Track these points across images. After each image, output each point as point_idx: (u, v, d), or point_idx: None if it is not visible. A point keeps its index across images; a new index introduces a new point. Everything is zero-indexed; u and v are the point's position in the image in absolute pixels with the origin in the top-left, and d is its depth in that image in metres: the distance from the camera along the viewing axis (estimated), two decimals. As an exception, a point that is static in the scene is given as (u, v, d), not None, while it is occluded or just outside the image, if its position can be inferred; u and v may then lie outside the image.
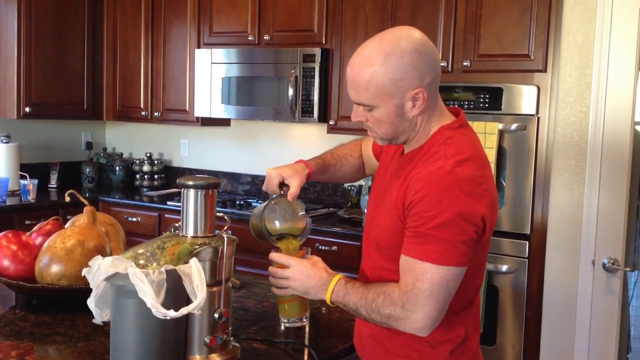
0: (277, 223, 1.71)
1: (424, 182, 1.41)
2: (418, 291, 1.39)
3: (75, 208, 2.08)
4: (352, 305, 1.50)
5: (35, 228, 2.05)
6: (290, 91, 3.86)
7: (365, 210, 3.73)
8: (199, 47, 4.33)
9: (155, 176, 4.83)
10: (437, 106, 1.52)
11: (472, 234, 1.40)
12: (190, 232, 1.52)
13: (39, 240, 2.00)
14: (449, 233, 1.37)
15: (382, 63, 1.43)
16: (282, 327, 1.73)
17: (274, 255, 1.63)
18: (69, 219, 2.07)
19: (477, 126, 2.98)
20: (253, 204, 4.14)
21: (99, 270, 1.40)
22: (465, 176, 1.41)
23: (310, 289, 1.55)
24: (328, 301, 1.53)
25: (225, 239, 1.51)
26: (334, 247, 3.55)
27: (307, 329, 1.84)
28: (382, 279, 1.53)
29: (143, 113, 4.62)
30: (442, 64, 3.26)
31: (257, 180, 4.57)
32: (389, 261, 1.51)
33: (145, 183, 4.80)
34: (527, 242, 3.01)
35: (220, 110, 4.20)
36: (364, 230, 1.70)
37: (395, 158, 1.62)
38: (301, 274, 1.56)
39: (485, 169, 1.48)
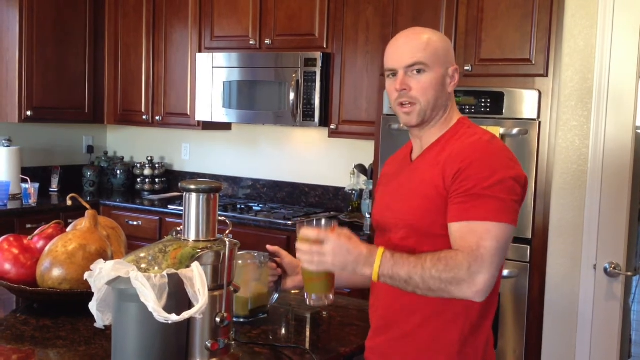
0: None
1: (468, 152, 1.52)
2: (484, 250, 1.43)
3: (77, 212, 2.08)
4: (405, 275, 1.45)
5: (36, 232, 2.05)
6: (292, 95, 3.86)
7: (367, 215, 3.75)
8: (200, 51, 4.34)
9: (157, 180, 4.83)
10: (454, 98, 1.67)
11: (520, 194, 1.51)
12: (192, 236, 1.52)
13: (40, 244, 2.00)
14: (502, 192, 1.46)
15: (433, 34, 1.63)
16: (309, 303, 1.63)
17: (307, 232, 1.52)
18: (70, 223, 2.07)
19: (478, 130, 2.98)
20: (254, 208, 4.14)
21: (100, 274, 1.40)
22: (503, 146, 1.57)
23: (350, 264, 1.48)
24: (375, 275, 1.47)
25: (227, 243, 1.51)
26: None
27: (307, 333, 1.84)
28: None
29: (144, 117, 4.62)
30: (443, 69, 3.27)
31: (258, 184, 4.57)
32: (428, 245, 1.52)
33: (147, 187, 4.80)
34: (529, 247, 3.01)
35: (221, 115, 4.20)
36: (376, 237, 1.73)
37: (406, 164, 1.70)
38: (340, 249, 1.47)
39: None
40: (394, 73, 1.61)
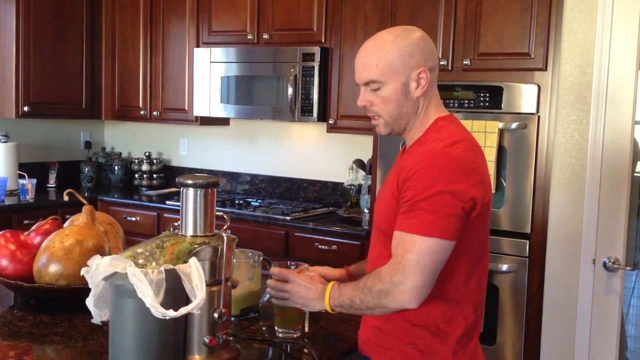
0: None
1: (416, 160, 1.52)
2: (406, 262, 1.47)
3: (74, 207, 2.07)
4: (348, 300, 1.56)
5: (33, 227, 2.04)
6: (290, 90, 3.85)
7: (365, 210, 3.74)
8: (198, 46, 4.32)
9: (154, 175, 4.82)
10: (435, 96, 1.64)
11: (459, 209, 1.48)
12: (190, 232, 1.51)
13: (37, 239, 1.99)
14: (436, 206, 1.46)
15: (392, 42, 1.58)
16: (278, 335, 1.75)
17: (274, 270, 1.72)
18: (68, 219, 2.06)
19: (477, 125, 2.97)
20: (252, 203, 4.13)
21: (97, 270, 1.39)
22: (455, 155, 1.52)
23: (309, 301, 1.63)
24: (328, 308, 1.60)
25: (225, 238, 1.50)
26: (334, 247, 3.55)
27: (306, 328, 1.83)
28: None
29: (142, 112, 4.61)
30: (442, 63, 3.25)
31: (256, 180, 4.56)
32: (389, 247, 1.56)
33: (144, 182, 4.79)
34: (528, 242, 3.00)
35: (219, 110, 4.19)
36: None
37: (398, 159, 1.73)
38: (299, 287, 1.63)
39: (476, 151, 1.59)
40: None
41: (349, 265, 1.89)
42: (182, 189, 1.53)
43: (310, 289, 1.62)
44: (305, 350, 1.66)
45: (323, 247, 3.58)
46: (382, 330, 1.63)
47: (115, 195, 4.52)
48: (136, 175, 4.84)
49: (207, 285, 1.43)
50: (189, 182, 1.52)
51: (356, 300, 1.54)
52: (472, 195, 1.49)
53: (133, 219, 4.27)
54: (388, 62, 1.56)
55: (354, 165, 3.98)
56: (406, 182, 1.51)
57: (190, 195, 1.52)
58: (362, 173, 3.98)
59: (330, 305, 1.59)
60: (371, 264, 1.67)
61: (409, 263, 1.46)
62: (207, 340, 1.48)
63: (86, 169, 4.86)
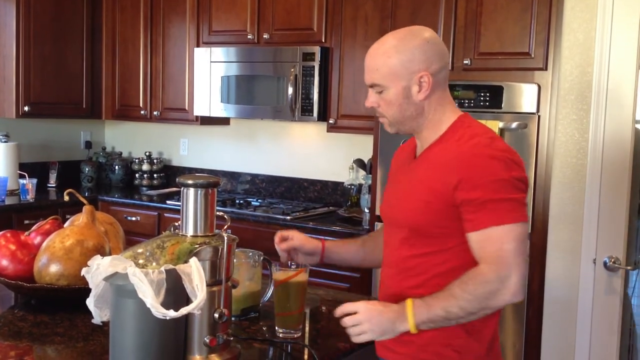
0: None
1: (468, 158, 1.52)
2: (507, 253, 1.46)
3: (75, 207, 2.07)
4: (442, 312, 1.48)
5: (34, 227, 2.04)
6: (290, 90, 3.85)
7: (366, 209, 3.74)
8: (198, 45, 4.32)
9: (155, 175, 4.82)
10: (447, 97, 1.65)
11: (524, 192, 1.53)
12: (190, 232, 1.51)
13: (37, 239, 1.99)
14: (508, 193, 1.49)
15: (394, 46, 1.60)
16: (279, 335, 1.74)
17: (338, 311, 1.60)
18: (68, 219, 2.06)
19: (477, 124, 2.97)
20: (253, 203, 4.13)
21: (98, 270, 1.39)
22: (503, 147, 1.56)
23: (385, 323, 1.50)
24: (413, 328, 1.49)
25: (225, 238, 1.50)
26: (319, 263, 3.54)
27: (307, 328, 1.83)
28: (425, 265, 1.57)
29: (142, 112, 4.61)
30: (442, 62, 3.25)
31: (256, 179, 4.56)
32: (429, 245, 1.58)
33: (145, 182, 4.79)
34: (528, 241, 3.00)
35: (219, 109, 4.19)
36: (384, 236, 1.77)
37: (410, 159, 1.72)
38: (372, 312, 1.51)
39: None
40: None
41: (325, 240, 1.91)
42: (182, 189, 1.53)
43: (384, 310, 1.50)
44: (306, 351, 1.66)
45: (323, 246, 3.57)
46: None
47: (116, 195, 4.52)
48: (136, 175, 4.84)
49: (208, 285, 1.43)
50: (190, 182, 1.52)
51: (453, 310, 1.47)
52: (527, 182, 1.54)
53: (133, 218, 4.27)
54: (388, 67, 1.59)
55: (355, 165, 3.98)
56: (466, 181, 1.50)
57: (190, 195, 1.52)
58: (362, 173, 3.97)
59: (416, 323, 1.49)
60: (390, 262, 1.66)
61: (509, 253, 1.46)
62: (207, 341, 1.48)
63: (86, 169, 4.86)
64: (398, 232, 1.66)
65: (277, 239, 1.87)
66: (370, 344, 1.79)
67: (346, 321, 1.52)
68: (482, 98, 3.07)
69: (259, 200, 4.23)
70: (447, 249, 1.57)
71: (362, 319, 1.50)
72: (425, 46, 1.60)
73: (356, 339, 1.54)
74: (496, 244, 1.48)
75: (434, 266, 1.57)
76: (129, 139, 5.16)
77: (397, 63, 1.58)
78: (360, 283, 3.46)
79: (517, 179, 1.51)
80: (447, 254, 1.57)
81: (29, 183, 4.12)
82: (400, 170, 1.74)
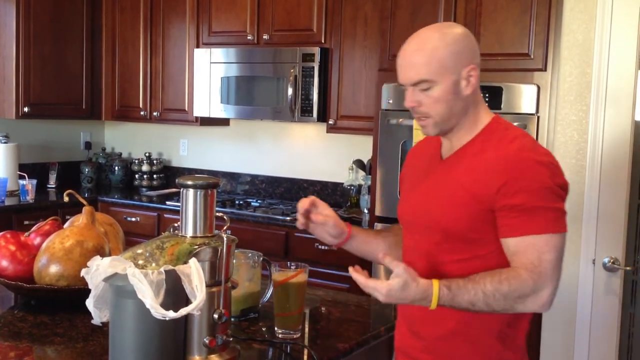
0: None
1: (515, 161, 1.47)
2: (546, 264, 1.43)
3: (74, 208, 2.07)
4: (466, 304, 1.44)
5: (33, 228, 2.04)
6: (290, 91, 3.85)
7: (365, 210, 3.74)
8: (198, 46, 4.32)
9: (155, 176, 4.83)
10: (481, 97, 1.60)
11: (565, 201, 1.49)
12: (190, 232, 1.51)
13: (37, 240, 1.99)
14: (553, 201, 1.45)
15: (440, 39, 1.51)
16: (278, 336, 1.74)
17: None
18: (68, 219, 2.06)
19: (477, 125, 2.98)
20: (252, 203, 4.14)
21: (97, 271, 1.40)
22: (545, 151, 1.53)
23: (404, 301, 1.44)
24: (433, 307, 1.44)
25: (225, 239, 1.50)
26: (334, 247, 3.54)
27: (306, 329, 1.83)
28: (460, 272, 1.50)
29: (142, 113, 4.61)
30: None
31: (256, 180, 4.56)
32: (464, 251, 1.51)
33: (145, 183, 4.79)
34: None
35: (219, 110, 4.19)
36: (407, 241, 1.68)
37: (435, 160, 1.64)
38: (392, 299, 1.44)
39: None
40: (404, 87, 1.56)
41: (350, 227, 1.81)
42: (182, 189, 1.53)
43: (404, 294, 1.42)
44: (306, 351, 1.66)
45: (323, 247, 3.58)
46: (454, 338, 1.56)
47: (116, 196, 4.52)
48: (136, 176, 4.84)
49: (207, 286, 1.43)
50: (189, 183, 1.52)
51: (478, 304, 1.43)
52: (568, 188, 1.50)
53: (133, 219, 4.27)
54: (438, 60, 1.50)
55: (354, 166, 3.98)
56: (511, 185, 1.45)
57: (190, 196, 1.52)
58: (362, 173, 3.98)
59: (438, 305, 1.44)
60: (416, 268, 1.50)
61: (549, 264, 1.44)
62: (207, 341, 1.48)
63: (86, 170, 4.86)
64: (428, 237, 1.58)
65: (306, 202, 1.72)
66: (369, 343, 1.79)
67: (366, 289, 1.45)
68: (481, 99, 3.07)
69: (259, 201, 4.23)
70: (483, 255, 1.51)
71: (380, 298, 1.44)
72: (468, 38, 1.55)
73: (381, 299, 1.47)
74: (536, 252, 1.43)
75: (469, 273, 1.48)
76: (128, 140, 5.16)
77: (447, 55, 1.50)
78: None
79: (560, 186, 1.47)
80: (482, 260, 1.51)
81: (29, 184, 4.12)
82: (424, 172, 1.66)
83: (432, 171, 1.63)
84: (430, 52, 1.50)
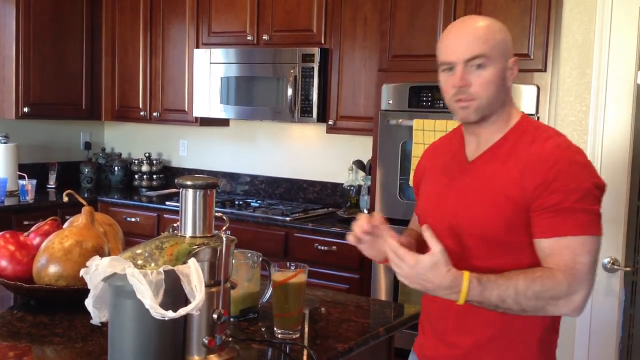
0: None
1: (551, 160, 1.43)
2: (581, 266, 1.39)
3: (74, 208, 2.07)
4: (496, 299, 1.39)
5: (33, 228, 2.04)
6: (289, 91, 3.85)
7: (365, 210, 3.74)
8: (197, 47, 4.32)
9: (154, 176, 4.83)
10: (511, 93, 1.56)
11: (601, 202, 1.45)
12: (189, 233, 1.51)
13: (36, 240, 1.99)
14: (590, 203, 1.41)
15: (493, 23, 1.50)
16: (277, 336, 1.74)
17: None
18: (68, 220, 2.06)
19: (476, 126, 2.98)
20: (252, 204, 4.14)
21: (96, 271, 1.40)
22: (579, 149, 1.48)
23: (428, 286, 1.38)
24: (461, 301, 1.39)
25: (224, 239, 1.50)
26: (333, 247, 3.55)
27: (306, 329, 1.83)
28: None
29: (142, 113, 4.61)
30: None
31: (256, 181, 4.56)
32: (497, 256, 1.46)
33: (144, 183, 4.79)
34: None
35: (219, 111, 4.19)
36: (436, 244, 1.47)
37: (460, 160, 1.59)
38: (413, 277, 1.39)
39: None
40: (450, 67, 1.49)
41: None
42: (181, 190, 1.53)
43: (430, 279, 1.36)
44: (305, 351, 1.66)
45: (323, 247, 3.58)
46: (492, 346, 1.52)
47: (115, 196, 4.52)
48: (136, 176, 4.84)
49: (206, 286, 1.43)
50: (188, 183, 1.52)
51: (508, 301, 1.39)
52: (605, 188, 1.46)
53: (133, 219, 4.27)
54: (497, 40, 1.47)
55: (354, 166, 3.98)
56: (548, 185, 1.41)
57: (189, 196, 1.52)
58: (361, 174, 3.98)
59: (467, 300, 1.38)
60: None
61: (584, 267, 1.40)
62: (206, 341, 1.48)
63: (86, 170, 4.86)
64: (458, 242, 1.51)
65: (367, 225, 1.57)
66: (368, 344, 1.79)
67: (392, 260, 1.40)
68: (481, 99, 3.07)
69: (259, 202, 4.23)
70: (515, 260, 1.47)
71: (404, 276, 1.39)
72: (509, 35, 1.53)
73: (398, 278, 1.42)
74: (571, 254, 1.40)
75: None
76: (128, 140, 5.16)
77: (501, 39, 1.48)
78: (360, 284, 3.46)
79: (597, 187, 1.44)
80: (514, 267, 1.44)
81: (29, 184, 4.12)
82: (448, 174, 1.60)
83: (459, 173, 1.58)
84: (489, 31, 1.48)
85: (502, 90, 1.50)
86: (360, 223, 1.58)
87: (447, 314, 1.58)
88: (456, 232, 1.52)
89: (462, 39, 1.48)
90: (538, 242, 1.44)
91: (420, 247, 1.58)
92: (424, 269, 1.36)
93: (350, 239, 1.62)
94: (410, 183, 2.61)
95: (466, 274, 1.38)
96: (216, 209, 1.56)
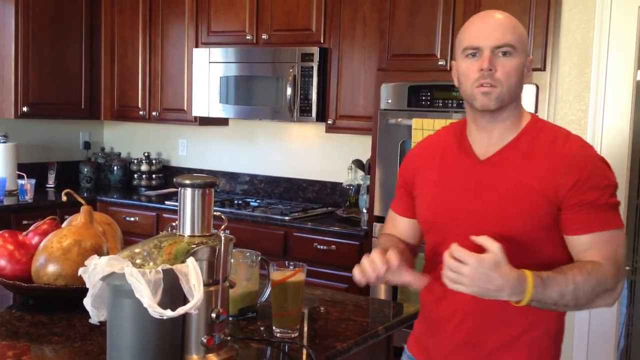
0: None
1: (583, 159, 1.48)
2: (622, 258, 1.46)
3: (73, 208, 2.07)
4: (557, 296, 1.38)
5: (31, 227, 2.03)
6: (289, 90, 3.85)
7: (364, 210, 3.74)
8: (197, 46, 4.32)
9: (153, 176, 4.83)
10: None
11: None
12: (187, 232, 1.51)
13: (35, 240, 1.98)
14: (616, 197, 1.49)
15: (517, 20, 1.54)
16: (276, 335, 1.74)
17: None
18: (67, 219, 2.06)
19: (475, 125, 2.98)
20: (251, 203, 4.14)
21: (95, 270, 1.39)
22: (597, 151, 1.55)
23: (491, 290, 1.34)
24: (525, 302, 1.37)
25: (223, 238, 1.50)
26: (333, 247, 3.55)
27: (305, 328, 1.83)
28: None
29: (141, 112, 4.61)
30: (440, 63, 3.26)
31: (255, 180, 4.56)
32: (522, 255, 1.43)
33: (143, 183, 4.79)
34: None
35: (218, 110, 4.19)
36: (443, 248, 1.43)
37: (467, 159, 1.58)
38: (479, 277, 1.32)
39: None
40: (475, 53, 1.50)
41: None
42: (179, 189, 1.53)
43: (495, 279, 1.32)
44: (304, 351, 1.66)
45: (322, 247, 3.58)
46: (516, 345, 1.52)
47: (115, 196, 4.52)
48: (135, 176, 4.84)
49: (205, 285, 1.43)
50: (187, 182, 1.52)
51: (567, 297, 1.39)
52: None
53: (132, 219, 4.27)
54: (521, 33, 1.51)
55: (353, 166, 3.98)
56: (583, 183, 1.44)
57: (187, 196, 1.52)
58: (360, 173, 3.98)
59: (529, 301, 1.36)
60: None
61: (623, 258, 1.47)
62: (204, 340, 1.48)
63: (85, 169, 4.86)
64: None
65: (382, 268, 1.47)
66: (367, 343, 1.79)
67: (450, 264, 1.34)
68: (480, 99, 3.07)
69: (258, 201, 4.23)
70: (540, 257, 1.48)
71: (465, 278, 1.33)
72: None
73: (448, 283, 1.36)
74: (613, 247, 1.45)
75: None
76: (127, 140, 5.16)
77: (525, 36, 1.53)
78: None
79: (616, 184, 1.50)
80: (538, 264, 1.43)
81: (28, 183, 4.12)
82: (455, 173, 1.58)
83: (471, 172, 1.56)
84: (516, 24, 1.52)
85: (520, 85, 1.52)
86: (377, 267, 1.47)
87: (457, 314, 1.56)
88: (479, 233, 1.42)
89: (492, 26, 1.51)
90: (576, 239, 1.47)
91: (408, 263, 1.57)
92: (488, 268, 1.32)
93: (359, 277, 1.49)
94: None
95: (529, 273, 1.36)
96: (215, 208, 1.56)
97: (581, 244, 1.46)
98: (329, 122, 3.87)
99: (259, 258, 1.91)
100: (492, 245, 1.34)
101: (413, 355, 1.73)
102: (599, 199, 1.45)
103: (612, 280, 1.44)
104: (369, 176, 3.70)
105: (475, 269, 1.32)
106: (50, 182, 4.70)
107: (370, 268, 1.47)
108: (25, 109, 4.29)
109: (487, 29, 1.51)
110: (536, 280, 1.36)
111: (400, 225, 1.75)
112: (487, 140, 1.56)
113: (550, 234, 1.49)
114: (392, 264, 1.47)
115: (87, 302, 1.47)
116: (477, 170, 1.55)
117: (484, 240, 1.36)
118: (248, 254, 1.91)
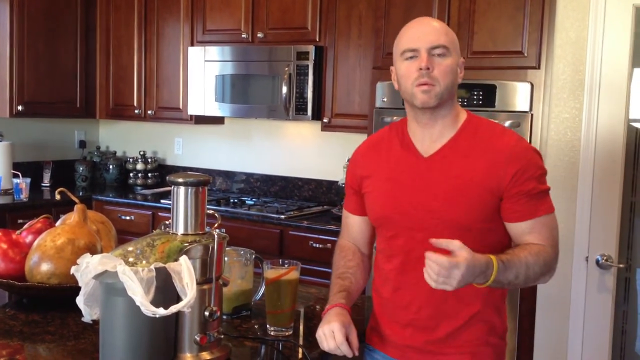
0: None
1: (520, 152, 1.60)
2: (557, 239, 1.63)
3: (68, 207, 2.06)
4: (512, 277, 1.52)
5: (25, 226, 2.03)
6: (284, 89, 3.85)
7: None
8: (192, 44, 4.32)
9: (149, 174, 4.82)
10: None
11: None
12: (181, 230, 1.51)
13: (29, 238, 1.98)
14: (547, 185, 1.63)
15: (448, 26, 1.67)
16: (270, 333, 1.74)
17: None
18: (61, 217, 2.06)
19: (470, 123, 2.98)
20: (247, 202, 4.13)
21: (87, 268, 1.39)
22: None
23: (469, 279, 1.43)
24: (489, 283, 1.47)
25: (216, 236, 1.50)
26: (328, 245, 3.55)
27: (300, 327, 1.83)
28: None
29: (136, 111, 4.60)
30: (435, 61, 3.26)
31: (251, 179, 4.56)
32: (474, 242, 1.49)
33: (139, 181, 4.78)
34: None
35: (214, 109, 4.19)
36: (398, 240, 1.67)
37: (411, 156, 1.67)
38: (465, 277, 1.41)
39: None
40: (414, 55, 1.60)
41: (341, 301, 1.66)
42: (172, 187, 1.53)
43: (476, 266, 1.42)
44: (298, 349, 1.66)
45: (317, 245, 3.58)
46: (473, 323, 1.65)
47: (110, 195, 4.52)
48: (131, 174, 4.83)
49: (198, 283, 1.43)
50: (180, 180, 1.52)
51: (520, 277, 1.53)
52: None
53: (128, 218, 4.27)
54: (452, 36, 1.64)
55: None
56: (522, 173, 1.57)
57: (181, 194, 1.52)
58: (356, 171, 3.97)
59: (494, 280, 1.47)
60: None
61: (557, 238, 1.63)
62: (198, 339, 1.48)
63: (81, 168, 4.85)
64: (435, 234, 1.51)
65: (342, 341, 1.54)
66: (361, 341, 1.79)
67: (440, 271, 1.40)
68: (475, 97, 3.07)
69: (254, 200, 4.23)
70: (490, 244, 1.59)
71: (454, 280, 1.40)
72: None
73: (434, 285, 1.42)
74: (549, 230, 1.60)
75: None
76: (123, 138, 5.15)
77: (456, 39, 1.65)
78: (354, 282, 3.46)
79: (546, 171, 1.65)
80: (489, 250, 1.52)
81: (23, 182, 4.11)
82: (403, 170, 1.66)
83: (417, 169, 1.64)
84: (448, 28, 1.65)
85: (455, 84, 1.64)
86: (341, 342, 1.54)
87: (415, 302, 1.65)
88: (429, 225, 1.61)
89: (427, 29, 1.62)
90: (517, 225, 1.60)
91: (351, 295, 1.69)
92: (470, 262, 1.41)
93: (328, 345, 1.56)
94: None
95: (493, 257, 1.48)
96: (211, 207, 1.56)
97: (522, 229, 1.60)
98: (325, 120, 3.87)
99: (253, 256, 1.91)
100: (453, 244, 1.42)
101: (373, 347, 1.78)
102: (536, 188, 1.58)
103: (554, 261, 1.61)
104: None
105: (466, 268, 1.41)
106: (46, 181, 4.70)
107: (336, 343, 1.54)
108: (20, 107, 4.28)
109: (422, 32, 1.62)
110: (499, 264, 1.48)
111: (353, 224, 1.87)
112: (428, 136, 1.66)
113: (494, 223, 1.61)
114: (352, 340, 1.55)
115: (79, 300, 1.47)
116: (421, 166, 1.65)
117: (443, 242, 1.44)
118: (242, 252, 1.91)
